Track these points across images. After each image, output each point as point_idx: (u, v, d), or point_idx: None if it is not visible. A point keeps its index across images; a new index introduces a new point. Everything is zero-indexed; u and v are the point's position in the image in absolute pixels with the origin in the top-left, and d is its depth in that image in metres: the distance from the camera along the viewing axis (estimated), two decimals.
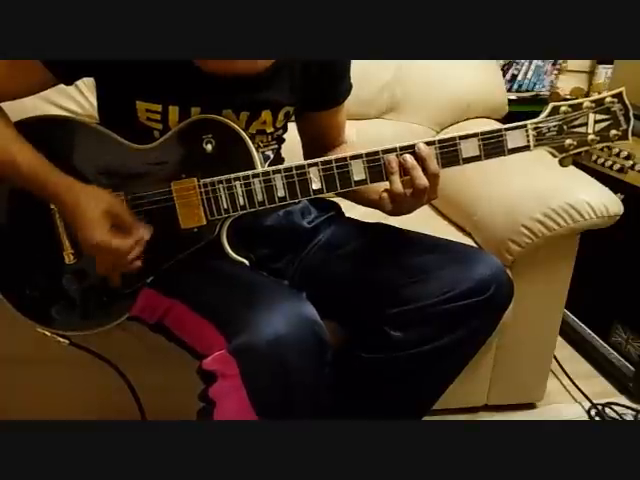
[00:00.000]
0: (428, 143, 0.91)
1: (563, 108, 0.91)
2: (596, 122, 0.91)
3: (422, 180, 0.89)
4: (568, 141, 0.91)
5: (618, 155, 1.56)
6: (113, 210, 0.90)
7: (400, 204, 0.92)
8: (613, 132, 0.91)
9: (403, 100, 1.72)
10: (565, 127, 0.91)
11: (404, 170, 0.90)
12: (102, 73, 0.97)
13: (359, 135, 1.65)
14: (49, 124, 1.01)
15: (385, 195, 0.92)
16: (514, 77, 2.24)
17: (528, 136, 0.91)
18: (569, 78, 2.26)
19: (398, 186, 0.90)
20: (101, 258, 0.92)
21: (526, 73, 2.24)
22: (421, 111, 1.72)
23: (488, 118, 1.75)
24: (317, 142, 1.15)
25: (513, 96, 2.14)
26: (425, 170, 0.89)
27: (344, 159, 0.92)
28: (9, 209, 1.02)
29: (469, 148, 0.91)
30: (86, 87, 1.48)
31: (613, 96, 0.91)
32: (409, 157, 0.90)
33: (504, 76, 2.17)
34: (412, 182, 0.90)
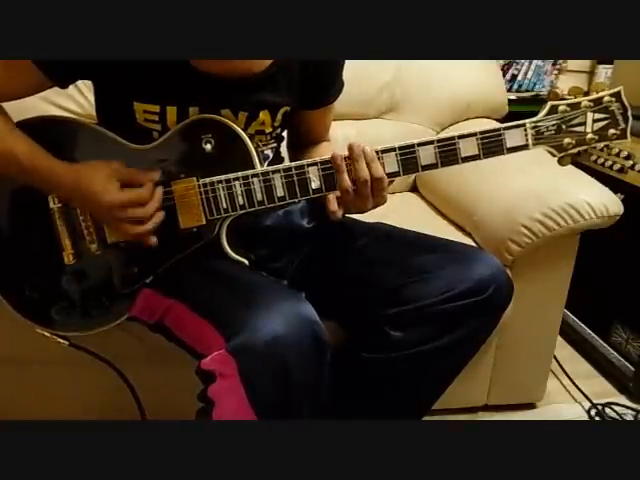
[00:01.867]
0: (427, 142, 0.91)
1: (561, 107, 0.91)
2: (594, 121, 0.91)
3: (364, 172, 0.90)
4: (567, 140, 0.91)
5: (618, 155, 1.56)
6: (115, 170, 0.91)
7: (346, 204, 0.93)
8: (612, 131, 0.91)
9: (403, 100, 1.72)
10: (564, 126, 0.91)
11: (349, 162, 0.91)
12: (97, 75, 0.97)
13: (359, 135, 1.65)
14: (48, 124, 1.01)
15: (334, 207, 0.93)
16: (514, 77, 2.24)
17: (527, 135, 0.91)
18: (569, 78, 2.26)
19: (347, 184, 0.91)
20: (124, 218, 0.92)
21: (526, 73, 2.24)
22: (421, 111, 1.72)
23: (488, 118, 1.75)
24: (301, 138, 1.15)
25: (513, 96, 2.14)
26: (369, 172, 0.90)
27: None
28: (8, 210, 1.02)
29: (468, 147, 0.91)
30: (86, 87, 1.48)
31: (611, 95, 0.90)
32: (356, 146, 0.90)
33: (504, 76, 2.17)
34: (354, 174, 0.90)
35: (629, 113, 0.91)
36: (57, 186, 0.94)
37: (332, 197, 0.94)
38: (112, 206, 0.90)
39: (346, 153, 0.91)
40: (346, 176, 0.91)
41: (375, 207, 0.95)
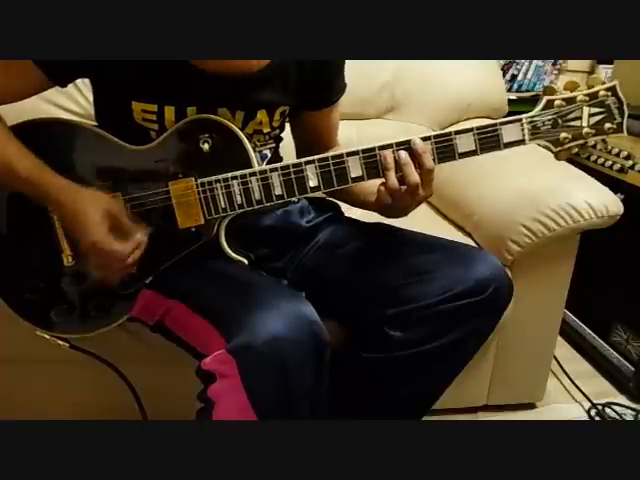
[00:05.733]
0: (424, 138, 0.91)
1: (557, 102, 0.91)
2: (590, 115, 0.91)
3: (414, 176, 0.90)
4: (563, 134, 0.91)
5: (618, 155, 1.56)
6: (112, 212, 0.90)
7: (396, 201, 0.92)
8: (608, 125, 0.91)
9: (403, 100, 1.72)
10: (560, 121, 0.91)
11: (398, 166, 0.91)
12: (97, 74, 0.97)
13: (359, 135, 1.66)
14: (46, 126, 1.01)
15: (382, 189, 0.93)
16: (514, 77, 2.24)
17: (523, 130, 0.91)
18: (569, 78, 2.26)
19: (394, 182, 0.91)
20: (99, 260, 0.92)
21: (526, 73, 2.24)
22: (421, 111, 1.72)
23: (488, 118, 1.75)
24: (310, 144, 1.14)
25: (513, 96, 2.14)
26: (420, 165, 0.90)
27: (341, 156, 0.92)
28: (7, 212, 1.02)
29: (465, 143, 0.91)
30: (86, 87, 1.48)
31: (607, 89, 0.91)
32: (403, 153, 0.90)
33: (504, 76, 2.17)
34: (404, 178, 0.90)
35: (625, 107, 0.91)
36: (53, 203, 0.93)
37: (382, 188, 0.93)
38: (94, 246, 0.89)
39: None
40: (392, 174, 0.90)
41: (420, 203, 0.94)
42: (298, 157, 1.14)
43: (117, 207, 0.92)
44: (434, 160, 0.91)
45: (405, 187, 0.91)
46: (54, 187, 0.90)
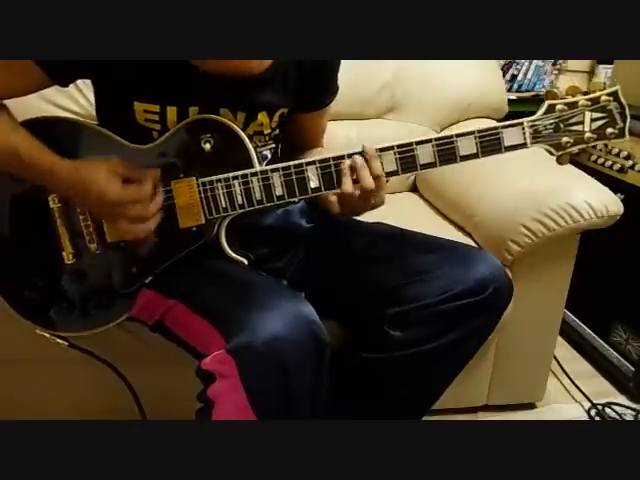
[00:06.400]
0: (425, 141, 0.91)
1: (559, 106, 0.91)
2: (592, 120, 0.91)
3: (368, 180, 0.90)
4: (565, 139, 0.91)
5: (618, 155, 1.56)
6: (116, 166, 0.90)
7: (347, 204, 0.93)
8: (609, 130, 0.91)
9: (403, 100, 1.72)
10: (561, 125, 0.91)
11: (355, 171, 0.91)
12: (98, 74, 0.97)
13: (359, 135, 1.66)
14: (49, 125, 1.01)
15: (334, 198, 0.94)
16: (514, 77, 2.24)
17: (524, 134, 0.91)
18: (569, 78, 2.26)
19: (348, 187, 0.91)
20: (126, 214, 0.91)
21: (526, 73, 2.24)
22: (421, 111, 1.72)
23: (488, 118, 1.75)
24: (295, 142, 1.15)
25: (513, 96, 2.15)
26: (370, 170, 0.91)
27: (342, 157, 0.93)
28: (9, 210, 1.02)
29: (466, 146, 0.92)
30: (86, 87, 1.48)
31: (609, 94, 0.91)
32: (359, 158, 0.91)
33: (504, 76, 2.18)
34: (359, 183, 0.91)
35: (627, 112, 0.91)
36: (57, 182, 0.93)
37: (334, 199, 0.94)
38: (114, 204, 0.89)
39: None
40: (349, 179, 0.91)
41: (372, 209, 0.95)
42: (281, 154, 1.14)
43: (117, 161, 0.92)
44: (435, 163, 0.92)
45: (358, 192, 0.91)
46: (56, 166, 0.91)
